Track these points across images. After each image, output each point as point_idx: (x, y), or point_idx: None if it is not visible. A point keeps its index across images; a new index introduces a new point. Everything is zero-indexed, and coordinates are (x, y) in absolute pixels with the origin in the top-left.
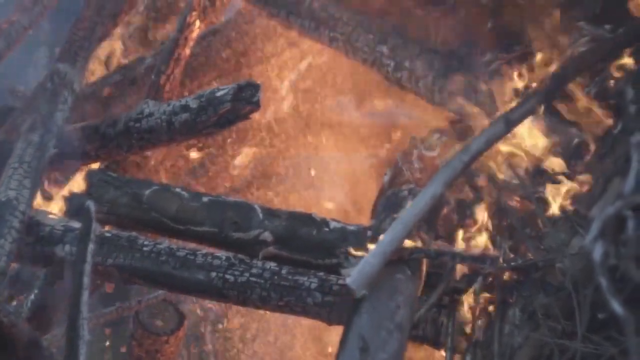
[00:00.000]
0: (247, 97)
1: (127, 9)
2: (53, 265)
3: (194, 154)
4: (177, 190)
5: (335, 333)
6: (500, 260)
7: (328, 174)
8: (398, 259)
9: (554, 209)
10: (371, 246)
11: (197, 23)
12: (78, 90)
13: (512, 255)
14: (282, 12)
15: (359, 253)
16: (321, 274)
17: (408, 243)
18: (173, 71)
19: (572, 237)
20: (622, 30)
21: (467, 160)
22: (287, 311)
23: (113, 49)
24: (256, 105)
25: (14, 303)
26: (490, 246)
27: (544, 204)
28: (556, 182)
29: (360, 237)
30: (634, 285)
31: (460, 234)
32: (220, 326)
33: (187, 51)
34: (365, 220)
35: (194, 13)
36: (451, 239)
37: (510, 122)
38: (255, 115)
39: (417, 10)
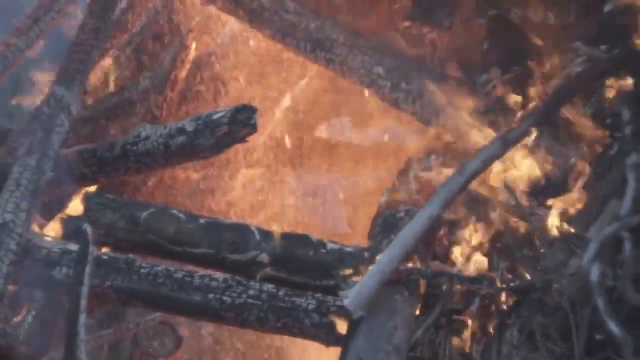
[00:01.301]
0: (244, 120)
1: (123, 31)
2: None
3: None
4: (174, 212)
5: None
6: (498, 281)
7: (325, 195)
8: (395, 280)
9: (551, 230)
10: (368, 267)
11: (194, 45)
12: (75, 113)
13: (509, 276)
14: (278, 33)
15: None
16: (319, 295)
17: (405, 264)
18: (170, 94)
19: (569, 258)
20: (618, 50)
21: (464, 181)
22: (284, 333)
23: (109, 71)
24: (253, 128)
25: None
26: (487, 267)
27: (541, 224)
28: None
29: (357, 259)
30: (631, 307)
31: (457, 255)
32: None
33: (184, 73)
34: (362, 241)
35: (190, 36)
36: (448, 260)
37: (506, 143)
38: (253, 137)
39: (413, 31)
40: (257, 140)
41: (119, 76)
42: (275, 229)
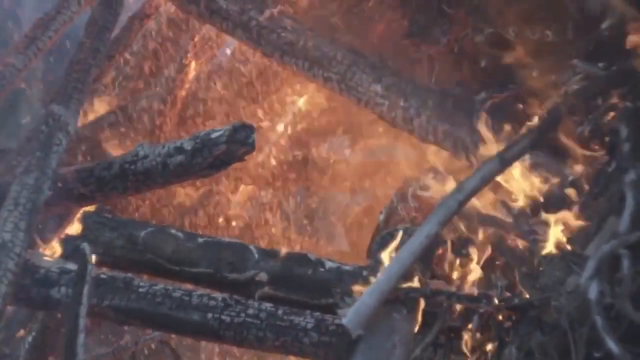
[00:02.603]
0: (242, 139)
1: (121, 50)
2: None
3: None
4: (173, 231)
5: None
6: (496, 299)
7: (324, 213)
8: (394, 298)
9: (550, 248)
10: (367, 286)
11: (193, 65)
12: (73, 132)
13: (508, 294)
14: (276, 52)
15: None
16: (317, 314)
17: (404, 282)
18: (168, 113)
19: (567, 276)
20: (615, 68)
21: (462, 199)
22: (283, 351)
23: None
24: (251, 147)
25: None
26: (486, 285)
27: (539, 242)
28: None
29: (356, 277)
30: (630, 324)
31: (456, 273)
32: None
33: (183, 92)
34: (361, 259)
35: (190, 55)
36: (447, 278)
37: (504, 161)
38: (252, 155)
39: (411, 49)
40: (255, 158)
41: (118, 95)
42: (274, 247)
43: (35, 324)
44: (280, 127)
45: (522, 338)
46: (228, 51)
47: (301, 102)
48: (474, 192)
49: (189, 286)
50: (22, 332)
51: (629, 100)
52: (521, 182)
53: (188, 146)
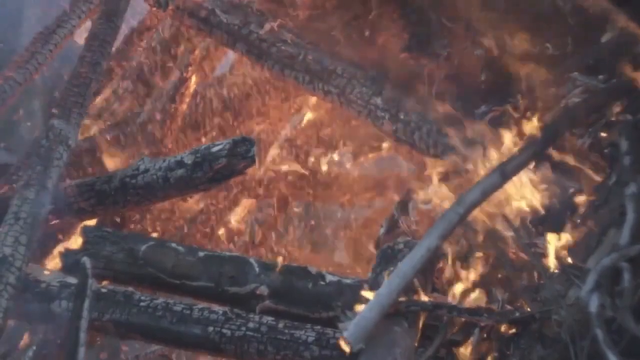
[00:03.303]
0: (242, 153)
1: (122, 64)
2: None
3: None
4: (173, 245)
5: None
6: (497, 312)
7: (325, 227)
8: (395, 312)
9: (550, 261)
10: (368, 299)
11: (193, 78)
12: (73, 146)
13: (508, 307)
14: (276, 65)
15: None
16: (318, 327)
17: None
18: (169, 126)
19: (568, 289)
20: (615, 81)
21: (463, 212)
22: None
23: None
24: (251, 161)
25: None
26: (486, 299)
27: (540, 255)
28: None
29: (356, 291)
30: (631, 337)
31: (456, 286)
32: None
33: (183, 106)
34: (361, 273)
35: (190, 68)
36: (448, 292)
37: (505, 174)
38: (253, 169)
39: (411, 63)
40: (256, 172)
41: (118, 108)
42: (275, 261)
43: (36, 337)
44: (280, 141)
45: (523, 351)
46: (228, 65)
47: (301, 115)
48: (475, 205)
49: (189, 300)
50: (22, 346)
51: (629, 114)
52: (522, 195)
53: (188, 160)
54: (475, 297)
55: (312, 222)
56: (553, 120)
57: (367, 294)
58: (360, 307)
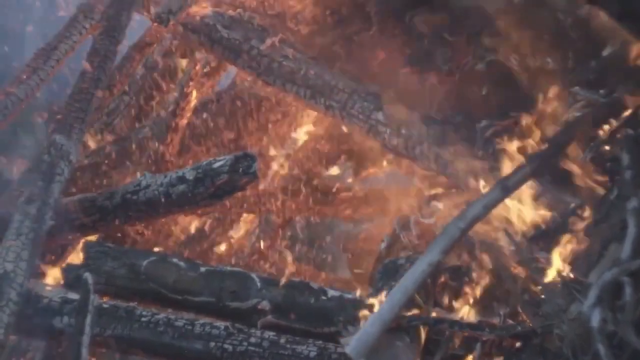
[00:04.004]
0: (244, 168)
1: (123, 79)
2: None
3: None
4: (175, 260)
5: None
6: (499, 327)
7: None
8: (397, 327)
9: (552, 275)
10: (370, 314)
11: (194, 93)
12: (75, 161)
13: (510, 322)
14: (278, 80)
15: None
16: (320, 342)
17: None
18: (170, 141)
19: (570, 303)
20: (616, 95)
21: (465, 227)
22: None
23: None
24: (253, 176)
25: None
26: (488, 313)
27: (542, 270)
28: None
29: (358, 306)
30: (632, 351)
31: (458, 301)
32: None
33: (185, 121)
34: (363, 288)
35: (191, 84)
36: (449, 306)
37: (507, 188)
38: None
39: (412, 78)
40: (257, 187)
41: (120, 124)
42: (276, 276)
43: (38, 354)
44: (282, 156)
45: None
46: (229, 80)
47: (303, 130)
48: (476, 219)
49: (191, 315)
50: None
51: (630, 128)
52: (523, 210)
53: (190, 176)
54: (477, 312)
55: (314, 237)
56: (554, 134)
57: (369, 308)
58: (362, 322)
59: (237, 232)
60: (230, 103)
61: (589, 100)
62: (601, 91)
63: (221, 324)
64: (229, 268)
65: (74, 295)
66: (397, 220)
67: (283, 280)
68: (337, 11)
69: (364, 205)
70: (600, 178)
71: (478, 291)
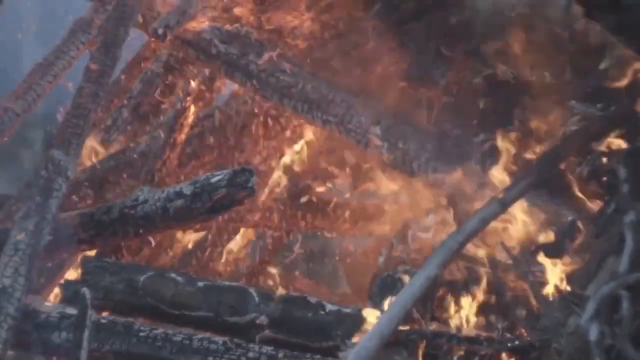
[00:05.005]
0: (241, 183)
1: (120, 94)
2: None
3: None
4: (173, 275)
5: None
6: (497, 340)
7: (324, 256)
8: (395, 341)
9: (550, 289)
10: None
11: (192, 108)
12: (72, 177)
13: (508, 336)
14: (275, 95)
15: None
16: (318, 357)
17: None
18: (168, 156)
19: (568, 317)
20: (613, 109)
21: (462, 241)
22: None
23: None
24: (251, 191)
25: None
26: (486, 327)
27: (539, 283)
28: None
29: (356, 320)
30: None
31: (456, 315)
32: None
33: (182, 136)
34: (361, 302)
35: (189, 98)
36: (447, 320)
37: (504, 202)
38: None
39: (409, 92)
40: (255, 201)
41: (117, 139)
42: (274, 290)
43: None
44: (279, 170)
45: None
46: (227, 94)
47: (301, 144)
48: (474, 233)
49: (189, 330)
50: None
51: (628, 141)
52: (521, 223)
53: (188, 191)
54: (475, 326)
55: (311, 252)
56: (551, 148)
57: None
58: (360, 336)
59: (235, 247)
60: (228, 118)
61: (586, 114)
62: (598, 105)
63: (219, 338)
64: (227, 283)
65: (71, 311)
66: (395, 234)
67: (281, 295)
68: (335, 26)
69: (362, 219)
70: (597, 191)
71: (476, 305)
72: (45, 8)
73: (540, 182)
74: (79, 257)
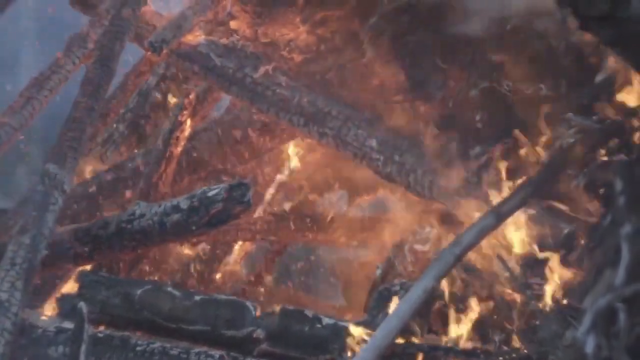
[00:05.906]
0: (238, 197)
1: (116, 108)
2: None
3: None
4: (169, 289)
5: None
6: (494, 353)
7: (320, 268)
8: (392, 354)
9: (546, 301)
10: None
11: (188, 122)
12: (68, 190)
13: (505, 349)
14: (271, 108)
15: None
16: None
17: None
18: (165, 170)
19: (564, 330)
20: (609, 121)
21: (459, 253)
22: None
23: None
24: (247, 205)
25: None
26: (483, 340)
27: (536, 296)
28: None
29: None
30: None
31: (453, 327)
32: None
33: (179, 150)
34: (358, 315)
35: (185, 112)
36: (444, 333)
37: (501, 215)
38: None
39: (406, 105)
40: (251, 215)
41: (113, 153)
42: (271, 304)
43: None
44: (276, 184)
45: None
46: (223, 108)
47: (297, 157)
48: (471, 246)
49: (186, 344)
50: None
51: (624, 154)
52: (517, 236)
53: (184, 205)
54: (472, 338)
55: (308, 265)
56: (548, 160)
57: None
58: (357, 350)
59: (232, 260)
60: (224, 131)
61: (583, 126)
62: (594, 117)
63: (216, 352)
64: (223, 296)
65: (68, 325)
66: (392, 247)
67: (278, 309)
68: (330, 39)
69: (358, 232)
70: (594, 204)
71: (473, 317)
72: (42, 23)
73: (537, 194)
74: (76, 271)
